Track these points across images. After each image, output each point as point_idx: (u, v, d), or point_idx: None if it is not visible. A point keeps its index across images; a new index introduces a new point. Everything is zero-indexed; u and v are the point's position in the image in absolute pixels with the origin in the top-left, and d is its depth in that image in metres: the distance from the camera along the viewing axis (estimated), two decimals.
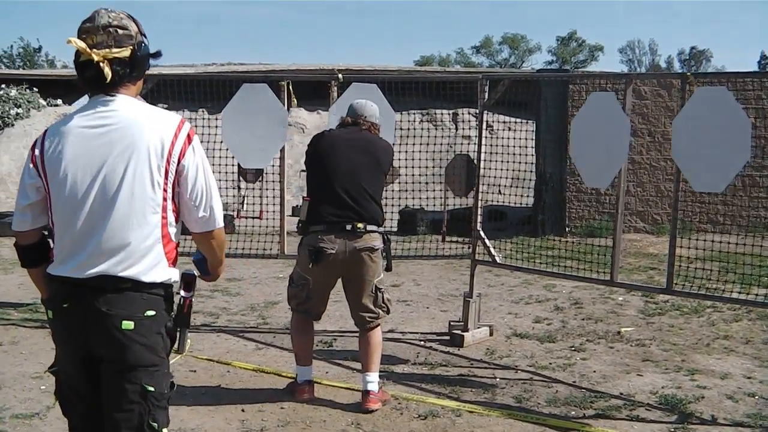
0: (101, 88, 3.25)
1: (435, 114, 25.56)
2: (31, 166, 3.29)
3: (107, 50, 3.21)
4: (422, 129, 19.21)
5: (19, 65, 52.97)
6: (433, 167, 15.81)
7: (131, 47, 3.26)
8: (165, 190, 3.25)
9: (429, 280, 11.18)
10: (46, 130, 3.34)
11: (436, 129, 23.66)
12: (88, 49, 3.19)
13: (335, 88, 8.04)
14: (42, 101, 24.63)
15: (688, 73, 6.77)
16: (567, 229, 15.61)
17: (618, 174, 6.83)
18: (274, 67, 25.79)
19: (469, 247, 8.28)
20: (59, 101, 24.72)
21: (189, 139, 3.29)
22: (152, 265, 3.25)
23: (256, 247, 9.25)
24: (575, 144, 7.05)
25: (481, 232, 7.89)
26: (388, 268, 6.19)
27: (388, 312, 6.16)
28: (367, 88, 7.89)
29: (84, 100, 6.68)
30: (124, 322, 3.18)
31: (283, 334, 7.92)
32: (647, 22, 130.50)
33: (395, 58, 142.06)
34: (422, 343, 7.85)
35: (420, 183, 13.99)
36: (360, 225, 5.83)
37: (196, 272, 3.60)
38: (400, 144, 13.66)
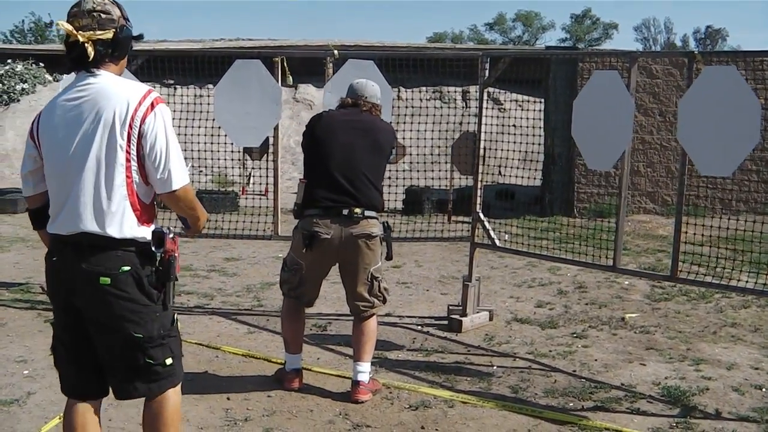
0: (85, 66, 3.62)
1: (444, 91, 25.30)
2: (29, 138, 3.76)
3: (91, 32, 3.58)
4: (432, 106, 19.03)
5: (31, 40, 52.84)
6: (441, 146, 15.61)
7: (114, 30, 3.63)
8: (128, 152, 3.55)
9: (431, 262, 10.96)
10: (45, 107, 3.75)
11: (446, 107, 23.45)
12: (74, 31, 3.56)
13: (330, 65, 7.77)
14: (48, 76, 24.47)
15: (696, 52, 6.48)
16: (575, 209, 15.38)
17: (622, 156, 6.55)
18: (281, 44, 25.53)
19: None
20: (65, 76, 24.53)
21: (152, 106, 3.59)
22: (121, 222, 3.57)
23: (255, 227, 9.00)
24: (577, 124, 6.76)
25: (481, 215, 7.65)
26: (388, 257, 5.92)
27: (384, 301, 5.88)
28: (363, 64, 7.62)
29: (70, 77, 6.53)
30: (102, 278, 3.53)
31: (277, 317, 7.68)
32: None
33: (407, 35, 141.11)
34: (419, 328, 7.62)
35: (427, 161, 13.79)
36: (357, 210, 5.57)
37: (177, 228, 3.96)
38: (408, 122, 13.48)
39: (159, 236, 3.71)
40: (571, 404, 5.73)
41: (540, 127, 15.03)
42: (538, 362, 6.63)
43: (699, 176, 8.48)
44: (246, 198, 13.54)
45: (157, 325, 3.67)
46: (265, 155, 13.22)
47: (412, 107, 15.08)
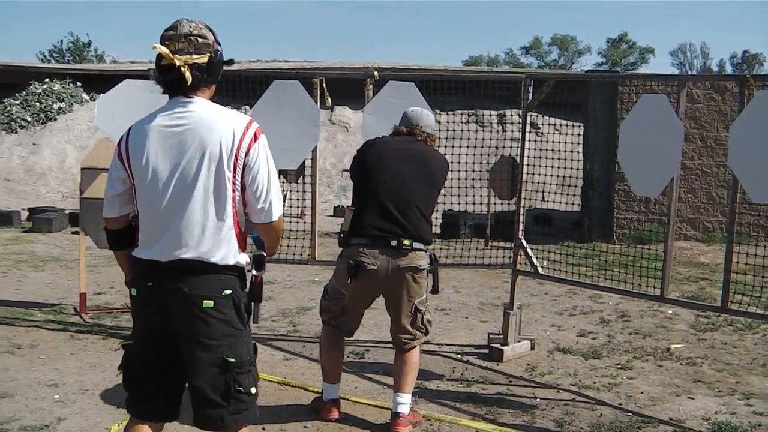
0: (181, 90, 3.60)
1: (482, 115, 25.14)
2: (117, 160, 3.68)
3: (188, 56, 3.56)
4: (468, 130, 18.83)
5: (69, 60, 53.36)
6: (478, 170, 15.44)
7: (209, 54, 3.62)
8: (234, 183, 3.58)
9: (470, 288, 10.78)
10: (130, 128, 3.69)
11: (484, 130, 23.27)
12: (170, 55, 3.53)
13: (371, 87, 7.63)
14: (85, 95, 24.59)
15: (748, 76, 6.27)
16: (615, 235, 15.16)
17: (670, 183, 6.35)
18: (318, 65, 25.52)
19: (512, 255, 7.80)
20: (101, 95, 24.75)
21: (255, 137, 3.60)
22: (226, 250, 3.61)
23: (290, 251, 8.81)
24: (623, 149, 6.58)
25: (523, 241, 7.47)
26: (434, 290, 5.73)
27: (426, 333, 5.65)
28: (403, 86, 7.47)
29: (118, 90, 7.51)
30: (205, 301, 3.56)
31: (314, 343, 7.60)
32: (699, 24, 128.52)
33: (443, 59, 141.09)
34: (459, 357, 7.43)
35: (465, 186, 13.60)
36: (406, 242, 5.35)
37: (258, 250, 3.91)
38: (445, 145, 13.32)
39: (260, 259, 3.83)
40: None
41: (578, 152, 14.83)
42: (583, 394, 6.42)
43: (741, 203, 8.25)
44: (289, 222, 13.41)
45: (245, 350, 3.71)
46: (301, 177, 13.11)
47: (450, 131, 14.88)
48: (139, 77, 8.09)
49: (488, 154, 16.21)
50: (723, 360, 7.43)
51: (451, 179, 12.27)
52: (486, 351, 7.48)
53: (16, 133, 24.12)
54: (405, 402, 5.51)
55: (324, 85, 7.80)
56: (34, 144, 23.65)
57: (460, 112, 24.19)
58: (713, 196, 14.91)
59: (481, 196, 14.77)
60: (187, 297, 3.56)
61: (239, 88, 8.68)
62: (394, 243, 5.32)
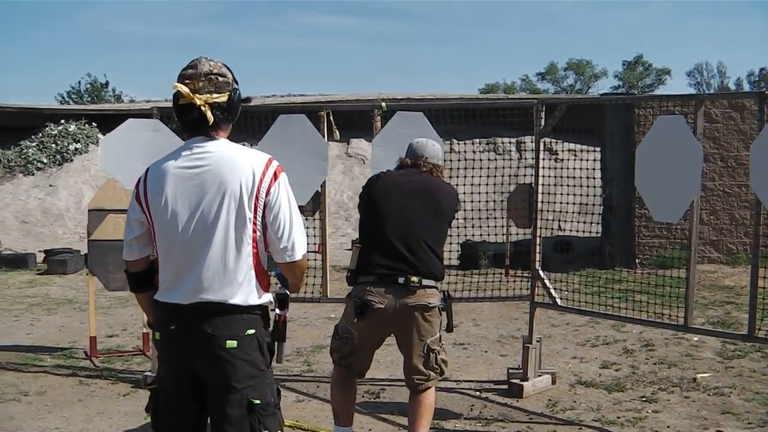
0: (201, 130, 3.57)
1: (498, 142, 24.95)
2: (135, 202, 3.65)
3: (208, 95, 3.52)
4: (485, 158, 18.65)
5: (87, 101, 53.71)
6: (497, 198, 15.22)
7: (228, 93, 3.59)
8: (255, 224, 3.53)
9: (489, 320, 10.54)
10: (147, 169, 3.65)
11: (501, 158, 23.05)
12: (191, 94, 3.49)
13: (378, 118, 7.44)
14: (101, 136, 24.55)
15: (767, 92, 6.03)
16: (637, 260, 14.89)
17: (690, 206, 6.11)
18: (333, 98, 25.44)
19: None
20: (107, 135, 24.90)
21: (275, 176, 3.56)
22: (249, 290, 3.56)
23: (303, 289, 8.56)
24: (641, 173, 6.34)
25: (541, 272, 7.23)
26: (448, 329, 5.48)
27: (441, 374, 5.39)
28: (412, 116, 7.27)
29: (122, 129, 7.51)
30: (228, 341, 3.51)
31: (328, 383, 7.31)
32: (716, 43, 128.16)
33: (458, 87, 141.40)
34: (477, 393, 7.19)
35: (482, 216, 13.39)
36: (414, 279, 5.12)
37: (280, 288, 3.85)
38: (461, 175, 13.12)
39: (282, 298, 3.79)
40: None
41: (596, 177, 14.60)
42: (606, 430, 6.16)
43: (766, 224, 7.97)
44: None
45: (270, 391, 3.65)
46: (318, 211, 12.93)
47: (466, 159, 14.68)
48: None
49: (506, 183, 16.04)
50: (752, 389, 7.15)
51: (470, 210, 12.18)
52: (506, 387, 7.24)
53: (33, 175, 24.11)
54: None
55: (331, 118, 7.62)
56: (50, 185, 23.62)
57: (477, 140, 24.02)
58: (736, 217, 14.64)
59: (499, 225, 14.55)
60: (211, 338, 3.51)
61: (252, 124, 8.54)
62: (401, 280, 5.11)
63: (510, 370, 7.38)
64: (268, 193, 3.52)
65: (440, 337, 5.35)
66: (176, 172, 3.56)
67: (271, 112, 7.96)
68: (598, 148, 16.42)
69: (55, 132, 24.96)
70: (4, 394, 7.19)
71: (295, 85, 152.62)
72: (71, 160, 24.51)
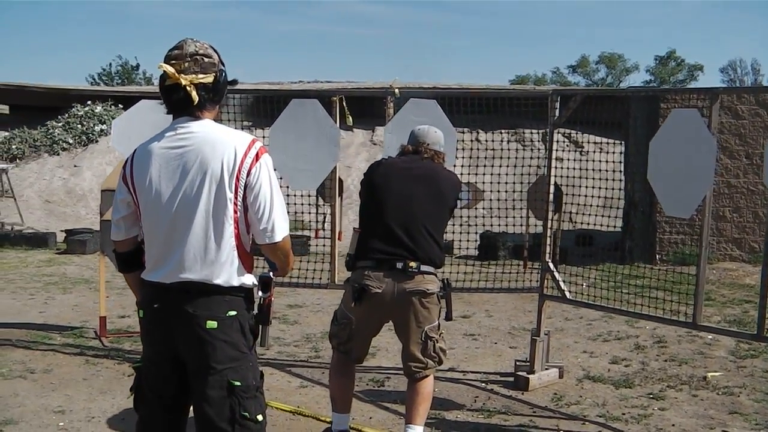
0: (186, 110, 3.58)
1: (521, 133, 24.79)
2: (122, 183, 3.68)
3: (193, 76, 3.53)
4: (510, 149, 18.45)
5: (118, 82, 54.02)
6: (520, 189, 15.09)
7: (214, 74, 3.60)
8: (236, 204, 3.53)
9: (502, 312, 10.46)
10: (134, 151, 3.69)
11: (525, 149, 22.88)
12: (176, 74, 3.51)
13: (391, 105, 7.39)
14: None
15: None
16: (657, 256, 14.73)
17: (702, 202, 6.01)
18: (359, 85, 25.36)
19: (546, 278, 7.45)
20: (114, 121, 25.06)
21: (257, 156, 3.54)
22: (230, 270, 3.55)
23: (316, 275, 8.49)
24: (654, 167, 6.25)
25: (551, 264, 7.15)
26: (447, 317, 5.42)
27: (440, 362, 5.35)
28: (425, 104, 7.21)
29: (134, 110, 7.65)
30: (209, 321, 3.51)
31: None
32: (750, 40, 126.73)
33: (489, 78, 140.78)
34: (483, 385, 7.12)
35: (505, 206, 13.31)
36: (413, 264, 5.10)
37: (268, 271, 3.83)
38: (485, 165, 13.02)
39: (266, 281, 3.77)
40: None
41: (620, 171, 14.46)
42: (610, 426, 6.08)
43: None
44: (316, 244, 13.17)
45: (251, 374, 3.63)
46: (340, 198, 12.87)
47: (491, 150, 14.57)
48: None
49: (529, 174, 15.91)
50: (762, 389, 7.04)
51: (495, 199, 12.12)
52: (512, 379, 7.17)
53: (58, 155, 24.21)
54: None
55: (344, 104, 7.57)
56: (75, 166, 23.71)
57: (503, 131, 23.86)
58: (760, 215, 14.43)
59: (520, 217, 14.45)
60: (191, 318, 3.51)
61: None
62: (399, 265, 5.09)
63: (517, 363, 7.31)
64: (249, 173, 3.52)
65: (439, 325, 5.30)
66: (160, 153, 3.58)
67: (284, 97, 7.88)
68: (621, 141, 16.29)
69: (81, 113, 25.05)
70: (11, 371, 7.21)
71: (324, 72, 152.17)
72: (96, 141, 24.59)
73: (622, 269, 12.40)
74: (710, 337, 8.77)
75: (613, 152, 14.70)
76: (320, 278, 8.13)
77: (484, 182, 12.16)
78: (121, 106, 24.80)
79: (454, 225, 14.62)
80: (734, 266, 14.07)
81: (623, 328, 9.40)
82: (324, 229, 16.19)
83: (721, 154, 14.11)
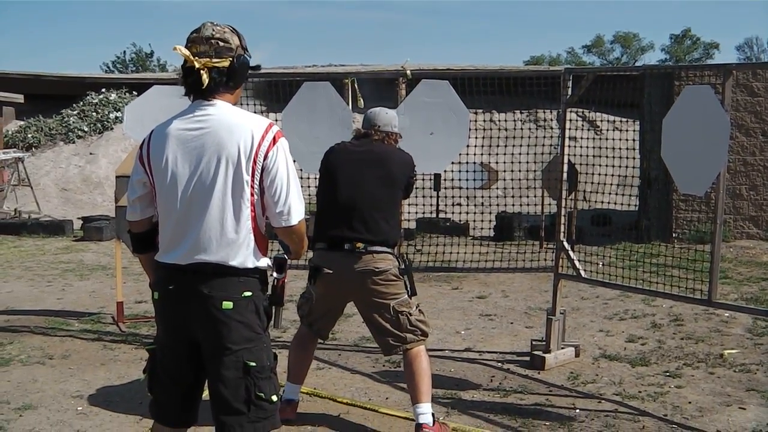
0: (200, 93, 3.59)
1: (539, 114, 24.75)
2: (139, 164, 3.69)
3: (207, 59, 3.54)
4: (525, 129, 18.41)
5: (132, 70, 54.12)
6: (536, 170, 15.07)
7: (230, 59, 3.59)
8: (252, 186, 3.53)
9: (518, 292, 10.45)
10: (152, 131, 3.69)
11: (541, 129, 22.87)
12: (191, 57, 3.53)
13: (403, 86, 7.38)
14: None
15: None
16: (674, 234, 14.69)
17: (717, 179, 5.98)
18: (375, 68, 25.32)
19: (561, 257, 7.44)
20: (129, 104, 25.29)
21: (274, 140, 3.55)
22: (246, 252, 3.56)
23: None
24: (667, 145, 6.21)
25: (565, 243, 7.14)
26: (411, 294, 5.45)
27: (422, 335, 5.40)
28: (438, 84, 7.20)
29: (147, 96, 7.75)
30: (224, 302, 3.52)
31: (350, 351, 7.42)
32: (766, 18, 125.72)
33: (505, 59, 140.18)
34: (499, 365, 7.13)
35: (521, 186, 13.31)
36: (360, 245, 5.24)
37: (282, 253, 3.85)
38: (501, 145, 13.03)
39: (280, 262, 3.79)
40: None
41: (636, 149, 14.42)
42: (626, 405, 6.06)
43: None
44: None
45: (266, 355, 3.65)
46: None
47: (506, 130, 14.53)
48: None
49: (544, 154, 15.89)
50: None
51: (508, 180, 12.12)
52: (528, 359, 7.17)
53: (73, 143, 24.33)
54: (425, 412, 5.23)
55: (356, 86, 7.57)
56: (91, 153, 23.82)
57: (518, 112, 23.84)
58: None
59: (536, 197, 14.45)
60: (207, 299, 3.53)
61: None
62: (347, 246, 5.28)
63: (533, 342, 7.31)
64: (266, 156, 3.53)
65: (408, 300, 5.39)
66: (177, 134, 3.58)
67: (296, 81, 7.89)
68: (636, 120, 16.24)
69: (96, 101, 25.16)
70: (30, 357, 7.26)
71: (337, 56, 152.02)
72: (111, 129, 24.69)
73: (638, 248, 12.37)
74: (727, 314, 8.73)
75: (629, 131, 14.67)
76: None
77: (498, 162, 12.21)
78: (135, 93, 24.86)
79: (468, 206, 14.69)
80: (751, 244, 14.03)
81: (639, 307, 9.38)
82: None
83: (737, 131, 14.06)
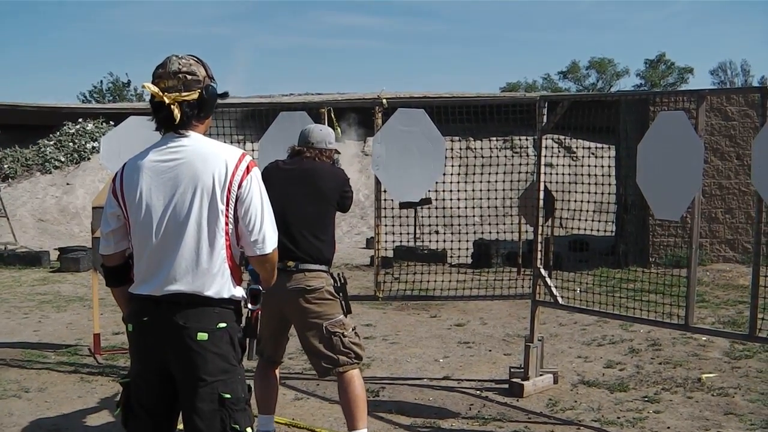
0: (172, 126, 3.60)
1: (515, 140, 24.83)
2: (112, 197, 3.68)
3: (177, 94, 3.56)
4: (502, 156, 18.44)
5: (109, 99, 53.98)
6: (513, 197, 15.09)
7: (199, 90, 3.61)
8: (227, 216, 3.56)
9: (497, 319, 10.45)
10: (125, 164, 3.69)
11: (517, 156, 22.86)
12: (160, 93, 3.56)
13: (380, 115, 7.40)
14: None
15: None
16: (651, 259, 14.73)
17: (692, 203, 6.02)
18: (350, 97, 25.38)
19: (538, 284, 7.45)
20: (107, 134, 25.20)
21: (248, 169, 3.60)
22: (221, 282, 3.58)
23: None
24: (642, 170, 6.27)
25: (542, 270, 7.16)
26: (346, 312, 5.46)
27: (357, 357, 5.39)
28: (413, 113, 7.23)
29: (123, 127, 7.77)
30: (200, 333, 3.51)
31: (328, 381, 7.34)
32: (739, 42, 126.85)
33: (480, 86, 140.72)
34: (478, 392, 7.12)
35: (497, 213, 13.32)
36: (290, 264, 5.25)
37: (251, 283, 3.91)
38: (477, 173, 13.05)
39: (255, 294, 3.85)
40: None
41: (612, 175, 14.49)
42: (605, 431, 6.07)
43: None
44: None
45: (240, 387, 3.64)
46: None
47: (482, 157, 14.59)
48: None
49: (521, 181, 15.91)
50: (757, 390, 7.03)
51: (485, 207, 12.14)
52: (506, 386, 7.17)
53: (50, 173, 24.23)
54: None
55: (332, 115, 7.59)
56: (68, 184, 23.72)
57: (494, 138, 23.89)
58: (752, 216, 14.40)
59: (513, 223, 14.46)
60: (182, 330, 3.52)
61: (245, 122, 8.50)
62: (279, 266, 5.17)
63: (512, 370, 7.31)
64: (240, 186, 3.56)
65: (343, 320, 5.37)
66: (151, 166, 3.59)
67: (272, 110, 7.91)
68: (612, 146, 16.32)
69: (73, 131, 25.08)
70: (6, 391, 7.20)
71: (315, 84, 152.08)
72: (88, 159, 24.61)
73: (615, 273, 12.41)
74: (705, 338, 8.76)
75: (605, 157, 14.74)
76: None
77: (474, 190, 12.21)
78: (112, 123, 24.76)
79: (446, 233, 14.72)
80: (728, 267, 14.08)
81: (617, 332, 9.39)
82: None
83: (712, 155, 14.15)
